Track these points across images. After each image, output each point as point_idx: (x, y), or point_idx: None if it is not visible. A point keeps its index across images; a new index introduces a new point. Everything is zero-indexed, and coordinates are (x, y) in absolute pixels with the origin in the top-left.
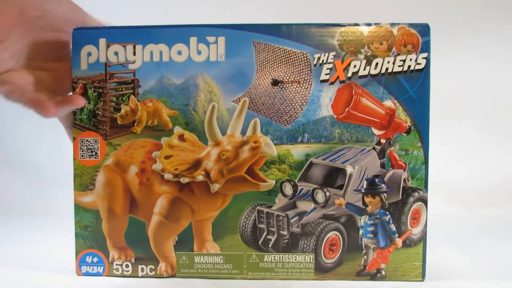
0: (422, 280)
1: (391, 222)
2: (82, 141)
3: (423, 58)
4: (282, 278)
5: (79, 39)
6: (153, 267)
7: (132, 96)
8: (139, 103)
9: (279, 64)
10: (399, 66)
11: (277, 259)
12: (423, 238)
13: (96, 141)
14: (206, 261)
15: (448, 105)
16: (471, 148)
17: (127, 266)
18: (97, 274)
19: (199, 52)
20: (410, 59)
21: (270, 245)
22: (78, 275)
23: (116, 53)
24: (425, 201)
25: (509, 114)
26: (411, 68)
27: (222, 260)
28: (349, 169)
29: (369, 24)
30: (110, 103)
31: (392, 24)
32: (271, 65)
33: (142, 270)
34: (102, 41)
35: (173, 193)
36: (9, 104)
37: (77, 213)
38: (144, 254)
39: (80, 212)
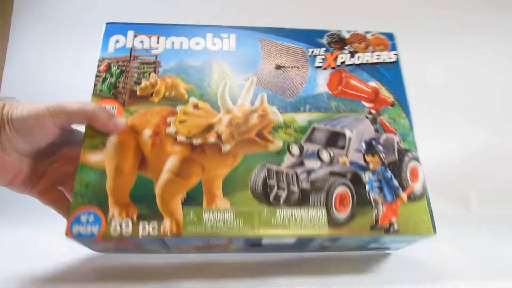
0: (434, 233)
1: (393, 178)
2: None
3: (393, 54)
4: (296, 234)
5: (110, 30)
6: (156, 225)
7: (152, 73)
8: (158, 79)
9: (281, 55)
10: (376, 58)
11: (289, 214)
12: (425, 193)
13: (113, 108)
14: (215, 217)
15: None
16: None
17: (127, 224)
18: (91, 236)
19: (214, 43)
20: (384, 54)
21: (281, 201)
22: (68, 236)
23: (141, 42)
24: (418, 160)
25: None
26: (386, 60)
27: (232, 215)
28: (348, 133)
29: (348, 31)
30: (132, 78)
31: (366, 32)
32: (274, 55)
33: (144, 228)
34: (131, 32)
35: (185, 152)
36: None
37: (80, 170)
38: (148, 211)
39: (83, 170)
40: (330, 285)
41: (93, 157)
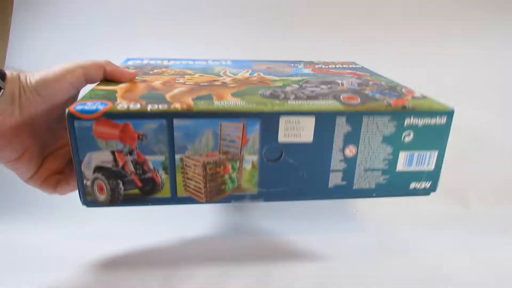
0: (452, 110)
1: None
2: None
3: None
4: (313, 109)
5: None
6: (165, 106)
7: None
8: None
9: (270, 64)
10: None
11: (301, 102)
12: (428, 96)
13: None
14: (227, 104)
15: None
16: None
17: (135, 104)
18: (95, 111)
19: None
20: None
21: (291, 98)
22: (70, 112)
23: None
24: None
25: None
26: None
27: (244, 103)
28: (339, 80)
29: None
30: None
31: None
32: (264, 64)
33: (153, 106)
34: None
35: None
36: None
37: (90, 92)
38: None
39: (95, 91)
40: None
41: (106, 87)
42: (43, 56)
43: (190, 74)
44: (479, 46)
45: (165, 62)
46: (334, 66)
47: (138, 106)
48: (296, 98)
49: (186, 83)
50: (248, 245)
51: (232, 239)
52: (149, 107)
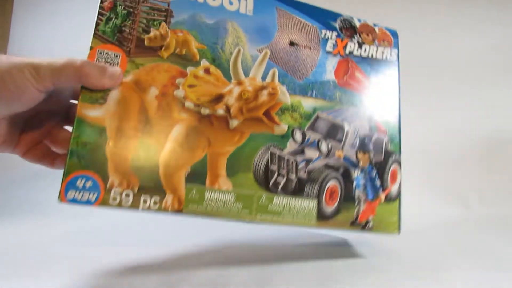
0: (399, 233)
1: (377, 178)
2: (101, 53)
3: (395, 53)
4: (287, 223)
5: None
6: (158, 199)
7: (163, 23)
8: (169, 31)
9: (296, 30)
10: (379, 54)
11: (285, 202)
12: (399, 196)
13: (117, 56)
14: (217, 197)
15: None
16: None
17: (127, 195)
18: (87, 203)
19: (230, 3)
20: (387, 51)
21: (279, 188)
22: (62, 202)
23: None
24: (399, 163)
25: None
26: (387, 58)
27: (233, 198)
28: (346, 127)
29: (359, 19)
30: (140, 24)
31: (375, 24)
32: (289, 29)
33: (145, 202)
34: None
35: (192, 121)
36: None
37: (77, 126)
38: (150, 184)
39: (81, 126)
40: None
41: (92, 112)
42: (43, 56)
43: (193, 65)
44: None
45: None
46: (366, 53)
47: (130, 201)
48: (283, 189)
49: (185, 103)
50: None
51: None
52: (141, 205)
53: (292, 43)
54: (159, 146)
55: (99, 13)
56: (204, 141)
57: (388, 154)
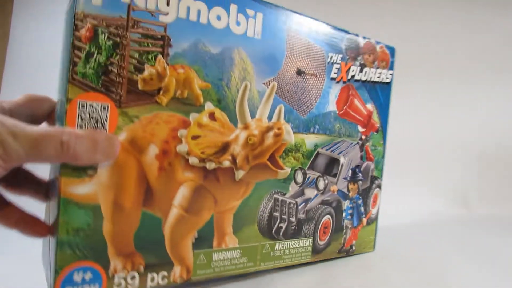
0: (373, 250)
1: (362, 204)
2: (83, 106)
3: (390, 74)
4: (287, 264)
5: None
6: (166, 273)
7: (160, 56)
8: (168, 67)
9: (303, 55)
10: (377, 77)
11: (285, 246)
12: (377, 217)
13: (105, 108)
14: (224, 257)
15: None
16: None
17: (133, 277)
18: None
19: (238, 23)
20: (384, 73)
21: (281, 233)
22: None
23: None
24: (380, 187)
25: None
26: (383, 80)
27: (239, 254)
28: (341, 160)
29: (364, 37)
30: (131, 59)
31: (377, 42)
32: (297, 54)
33: (152, 279)
34: None
35: (197, 181)
36: None
37: (64, 210)
38: (156, 260)
39: (69, 210)
40: None
41: (81, 189)
42: (43, 56)
43: (196, 110)
44: None
45: (162, 5)
46: (364, 81)
47: (136, 283)
48: (284, 234)
49: (189, 159)
50: None
51: None
52: (148, 284)
53: (299, 72)
54: (163, 216)
55: (74, 47)
56: (211, 201)
57: (372, 180)
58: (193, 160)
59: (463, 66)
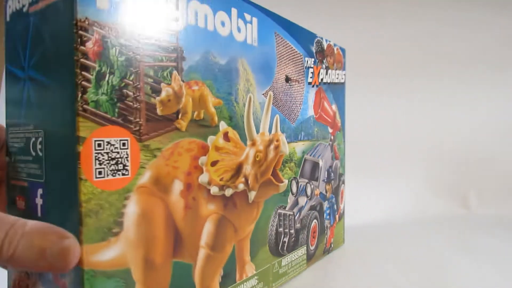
0: (343, 244)
1: (335, 203)
2: (99, 145)
3: (344, 74)
4: (290, 278)
5: None
6: None
7: (175, 73)
8: (183, 84)
9: (289, 61)
10: (337, 78)
11: (288, 260)
12: (344, 211)
13: (124, 144)
14: (244, 287)
15: None
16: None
17: None
18: None
19: (239, 30)
20: (340, 74)
21: (285, 248)
22: None
23: None
24: (344, 182)
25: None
26: (340, 81)
27: (256, 281)
28: (320, 163)
29: (327, 40)
30: (146, 78)
31: (334, 44)
32: (284, 60)
33: None
34: None
35: (219, 212)
36: None
37: (89, 284)
38: None
39: (96, 283)
40: None
41: (107, 254)
42: None
43: (213, 131)
44: None
45: (171, 10)
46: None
47: None
48: (287, 248)
49: (211, 189)
50: None
51: None
52: None
53: (287, 79)
54: (193, 261)
55: (81, 67)
56: (231, 231)
57: (340, 177)
58: (214, 189)
59: (466, 63)
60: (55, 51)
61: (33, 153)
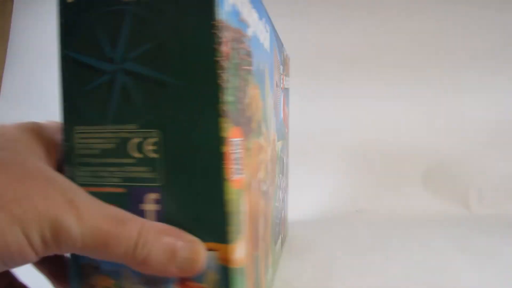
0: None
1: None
2: (233, 145)
3: (288, 80)
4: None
5: None
6: None
7: (250, 76)
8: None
9: (275, 66)
10: (287, 83)
11: (276, 257)
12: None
13: (238, 145)
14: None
15: None
16: None
17: None
18: None
19: (265, 36)
20: (288, 80)
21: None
22: None
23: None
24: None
25: None
26: (288, 86)
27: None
28: (285, 160)
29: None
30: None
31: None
32: (275, 66)
33: None
34: None
35: (265, 209)
36: None
37: (237, 283)
38: None
39: (240, 281)
40: None
41: (240, 253)
42: (44, 56)
43: (259, 132)
44: None
45: (252, 20)
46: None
47: None
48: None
49: (263, 186)
50: None
51: None
52: None
53: (276, 84)
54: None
55: (221, 68)
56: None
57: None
58: (264, 187)
59: (469, 58)
60: (183, 49)
61: (138, 155)
